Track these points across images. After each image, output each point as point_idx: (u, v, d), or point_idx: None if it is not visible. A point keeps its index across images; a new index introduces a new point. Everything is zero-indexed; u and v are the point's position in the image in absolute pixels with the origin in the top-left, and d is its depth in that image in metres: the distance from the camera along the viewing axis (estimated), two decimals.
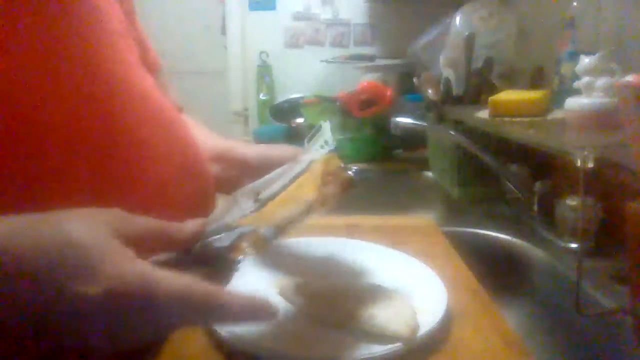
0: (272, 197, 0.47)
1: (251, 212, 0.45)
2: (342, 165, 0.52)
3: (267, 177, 0.52)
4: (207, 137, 0.71)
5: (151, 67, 0.66)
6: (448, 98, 1.29)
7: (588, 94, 0.79)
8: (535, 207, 0.98)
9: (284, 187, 0.48)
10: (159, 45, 0.73)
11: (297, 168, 0.50)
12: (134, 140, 0.48)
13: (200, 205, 0.57)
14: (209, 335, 0.49)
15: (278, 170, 0.52)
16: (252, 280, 0.57)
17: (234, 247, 0.43)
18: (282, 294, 0.55)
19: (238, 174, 0.68)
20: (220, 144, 0.71)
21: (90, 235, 0.34)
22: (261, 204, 0.46)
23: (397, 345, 0.45)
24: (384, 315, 0.48)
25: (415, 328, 0.47)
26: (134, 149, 0.48)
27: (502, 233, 0.95)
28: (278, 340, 0.46)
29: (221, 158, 0.69)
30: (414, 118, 1.27)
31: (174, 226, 0.41)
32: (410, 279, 0.58)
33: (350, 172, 0.52)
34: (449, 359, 0.47)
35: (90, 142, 0.45)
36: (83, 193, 0.44)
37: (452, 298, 0.54)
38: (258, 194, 0.48)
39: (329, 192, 0.48)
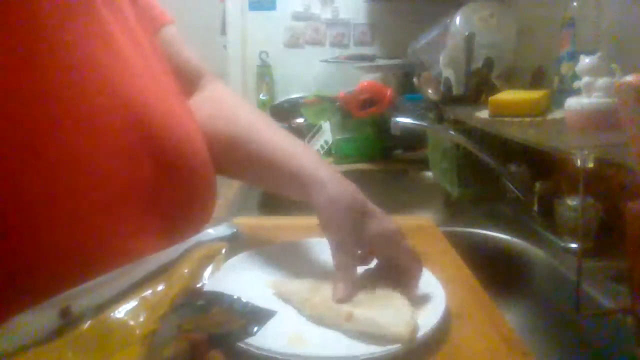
0: (92, 314, 0.38)
1: (56, 332, 0.36)
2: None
3: (87, 284, 0.40)
4: (225, 114, 0.65)
5: (156, 23, 0.63)
6: (448, 98, 1.29)
7: (588, 94, 0.79)
8: (535, 207, 0.98)
9: (110, 301, 0.39)
10: None
11: (131, 277, 0.42)
12: (83, 140, 0.44)
13: (192, 205, 0.54)
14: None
15: (104, 278, 0.41)
16: (249, 281, 0.57)
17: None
18: (279, 294, 0.55)
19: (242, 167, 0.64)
20: (235, 127, 0.63)
21: None
22: (72, 320, 0.37)
23: (397, 345, 0.45)
24: (383, 316, 0.47)
25: (415, 328, 0.47)
26: (87, 147, 0.44)
27: (502, 233, 0.95)
28: (276, 341, 0.46)
29: (231, 146, 0.62)
30: (414, 118, 1.27)
31: None
32: None
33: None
34: (449, 359, 0.47)
35: (38, 140, 0.41)
36: (35, 197, 0.41)
37: (452, 298, 0.54)
38: (65, 307, 0.37)
39: None
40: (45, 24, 0.43)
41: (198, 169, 0.56)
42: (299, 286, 0.55)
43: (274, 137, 0.62)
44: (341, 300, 0.51)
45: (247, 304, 0.47)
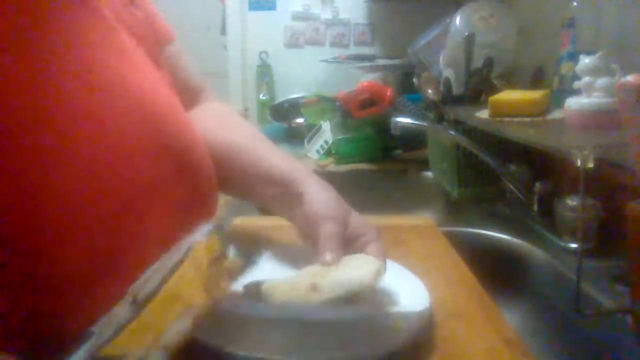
0: (150, 297, 0.42)
1: (129, 319, 0.40)
2: (224, 249, 0.48)
3: (144, 274, 0.45)
4: (222, 128, 0.65)
5: (160, 40, 0.63)
6: (448, 98, 1.29)
7: (588, 94, 0.79)
8: (535, 207, 0.98)
9: (163, 282, 0.43)
10: None
11: (174, 257, 0.46)
12: (102, 139, 0.44)
13: (197, 207, 0.54)
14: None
15: (155, 265, 0.46)
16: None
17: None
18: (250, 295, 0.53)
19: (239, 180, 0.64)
20: (231, 141, 0.64)
21: None
22: (139, 306, 0.41)
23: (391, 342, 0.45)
24: (346, 274, 0.47)
25: (380, 269, 0.47)
26: (104, 147, 0.44)
27: (502, 233, 0.95)
28: (248, 344, 0.45)
29: (226, 158, 0.63)
30: (414, 118, 1.27)
31: None
32: (390, 283, 0.55)
33: (232, 255, 0.49)
34: (449, 359, 0.47)
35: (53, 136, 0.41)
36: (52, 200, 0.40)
37: (452, 298, 0.54)
38: (135, 296, 0.42)
39: (218, 292, 0.44)
40: (52, 28, 0.43)
41: (203, 172, 0.56)
42: (268, 287, 0.53)
43: (265, 151, 0.63)
44: (329, 263, 0.50)
45: None
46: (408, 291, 0.55)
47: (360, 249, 0.55)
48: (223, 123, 0.68)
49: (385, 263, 0.52)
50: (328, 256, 0.51)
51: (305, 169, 0.61)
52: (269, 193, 0.62)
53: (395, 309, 0.51)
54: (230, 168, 0.62)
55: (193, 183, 0.54)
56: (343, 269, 0.49)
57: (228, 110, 0.73)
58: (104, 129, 0.44)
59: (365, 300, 0.50)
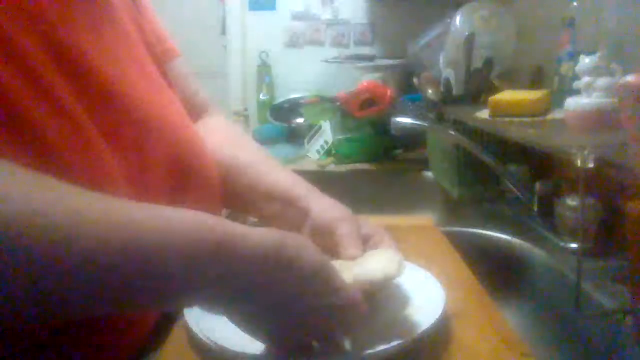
0: None
1: None
2: None
3: None
4: (227, 145, 0.67)
5: (165, 56, 0.64)
6: (448, 98, 1.29)
7: (588, 94, 0.79)
8: (535, 207, 0.98)
9: None
10: None
11: None
12: (116, 148, 0.45)
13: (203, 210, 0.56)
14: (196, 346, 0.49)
15: None
16: None
17: None
18: None
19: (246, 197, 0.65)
20: (236, 158, 0.65)
21: None
22: None
23: (397, 342, 0.45)
24: (367, 270, 0.48)
25: (400, 261, 0.48)
26: (118, 155, 0.45)
27: (502, 233, 0.95)
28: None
29: (232, 173, 0.64)
30: (414, 118, 1.27)
31: None
32: (408, 282, 0.57)
33: None
34: (448, 359, 0.47)
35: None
36: None
37: (452, 298, 0.54)
38: None
39: None
40: (84, 47, 0.44)
41: (209, 179, 0.57)
42: None
43: (269, 169, 0.65)
44: (355, 256, 0.52)
45: None
46: (424, 289, 0.55)
47: (374, 247, 0.57)
48: (229, 140, 0.70)
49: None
50: (352, 250, 0.53)
51: (308, 185, 0.63)
52: (272, 209, 0.63)
53: (411, 308, 0.52)
54: (234, 184, 0.64)
55: (201, 192, 0.55)
56: (364, 263, 0.50)
57: (233, 127, 0.75)
58: (124, 141, 0.45)
59: (387, 295, 0.51)
